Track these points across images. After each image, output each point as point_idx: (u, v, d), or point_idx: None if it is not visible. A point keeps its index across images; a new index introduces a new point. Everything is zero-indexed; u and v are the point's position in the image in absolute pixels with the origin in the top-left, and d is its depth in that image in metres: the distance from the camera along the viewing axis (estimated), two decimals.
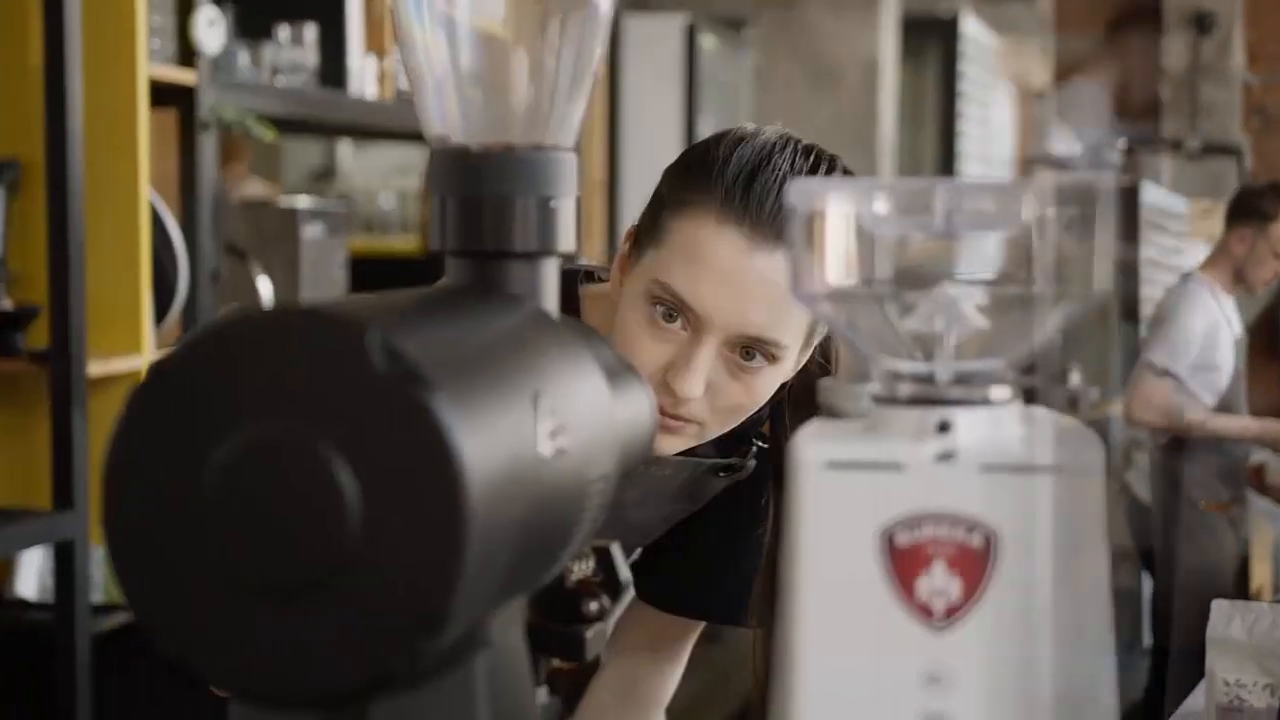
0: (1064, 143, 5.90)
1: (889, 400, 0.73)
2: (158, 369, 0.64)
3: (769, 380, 1.27)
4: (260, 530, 0.63)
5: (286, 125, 3.26)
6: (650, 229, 1.28)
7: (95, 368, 2.52)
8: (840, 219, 0.73)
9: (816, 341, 1.33)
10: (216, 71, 2.86)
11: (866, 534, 0.70)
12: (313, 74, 3.14)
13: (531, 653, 0.81)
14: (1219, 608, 1.96)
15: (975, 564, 0.70)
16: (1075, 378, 6.72)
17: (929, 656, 0.69)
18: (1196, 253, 8.84)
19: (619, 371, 0.89)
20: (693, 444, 1.31)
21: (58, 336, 2.43)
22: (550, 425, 0.74)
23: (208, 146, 2.77)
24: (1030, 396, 0.75)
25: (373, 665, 0.62)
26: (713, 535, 1.47)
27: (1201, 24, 9.74)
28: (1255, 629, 1.93)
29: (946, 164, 7.68)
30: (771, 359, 1.25)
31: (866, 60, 5.74)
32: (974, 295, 0.74)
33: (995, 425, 0.72)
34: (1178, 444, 4.41)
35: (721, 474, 1.42)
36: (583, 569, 0.91)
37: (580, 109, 0.87)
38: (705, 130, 5.98)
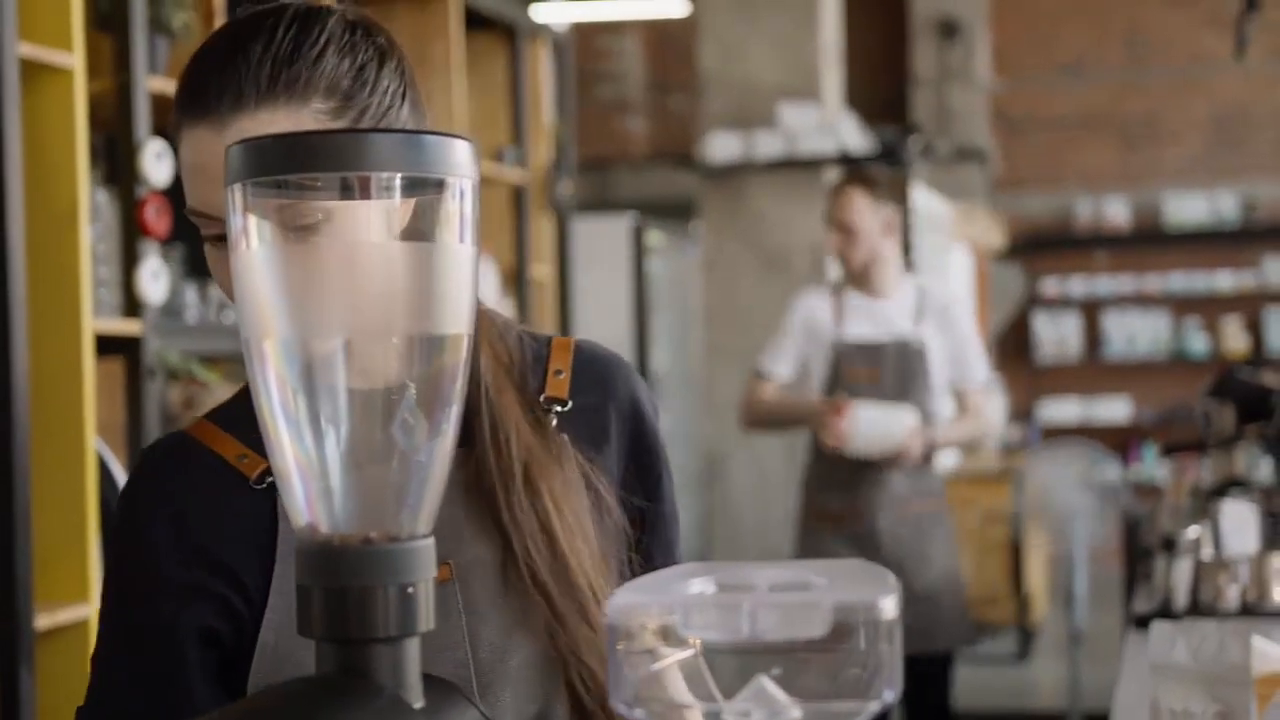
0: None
1: None
2: None
3: (351, 231, 1.17)
4: None
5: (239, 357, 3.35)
6: None
7: (42, 620, 2.56)
8: (655, 630, 0.80)
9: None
10: (163, 317, 2.94)
11: None
12: None
13: None
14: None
15: None
16: None
17: None
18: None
19: None
20: None
21: (4, 593, 2.48)
22: None
23: (153, 393, 2.85)
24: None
25: None
26: None
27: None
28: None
29: None
30: (324, 213, 1.15)
31: (813, 245, 5.87)
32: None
33: None
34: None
35: None
36: None
37: (437, 494, 0.94)
38: (656, 324, 6.11)
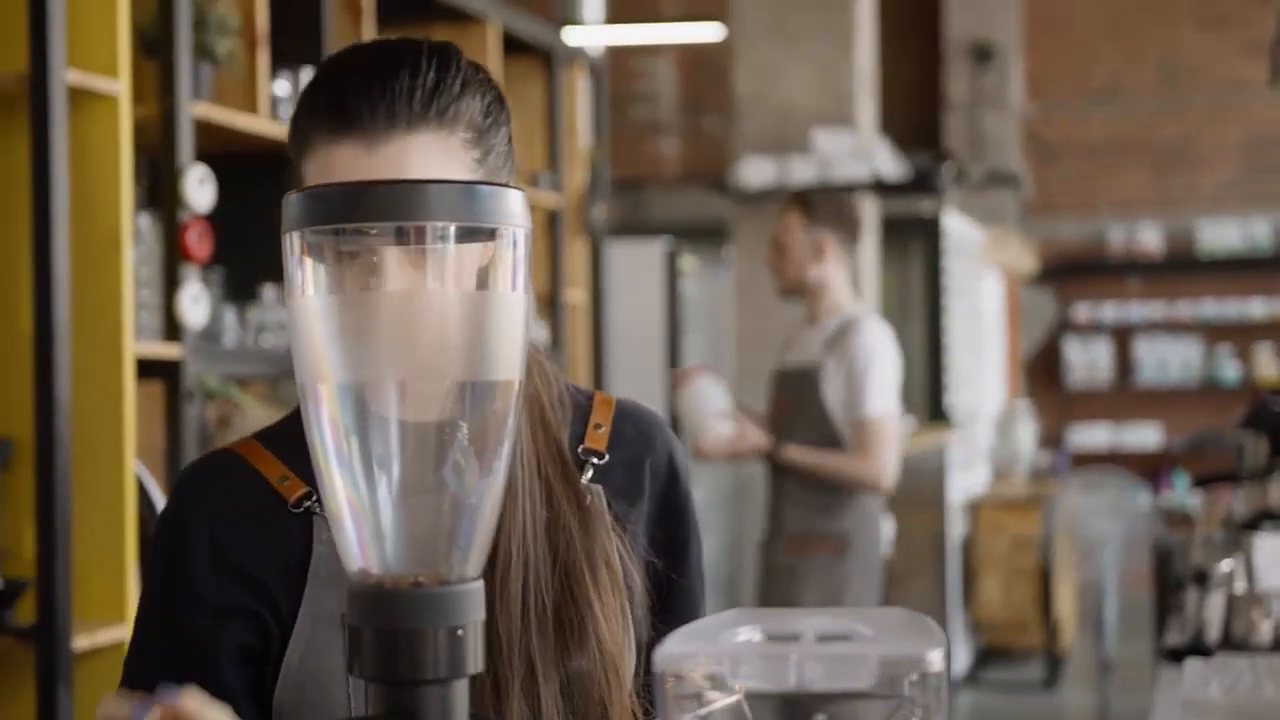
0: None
1: None
2: None
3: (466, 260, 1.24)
4: None
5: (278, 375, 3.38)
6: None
7: (81, 641, 2.59)
8: (703, 677, 0.81)
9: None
10: (202, 341, 2.97)
11: None
12: None
13: None
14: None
15: None
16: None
17: None
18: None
19: None
20: None
21: (44, 613, 2.51)
22: None
23: (192, 416, 2.87)
24: None
25: None
26: None
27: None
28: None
29: (934, 357, 7.79)
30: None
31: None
32: None
33: None
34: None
35: None
36: None
37: (487, 536, 0.95)
38: (688, 347, 6.13)
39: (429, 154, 1.22)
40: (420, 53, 1.25)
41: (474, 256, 0.93)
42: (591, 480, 1.32)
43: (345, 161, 1.22)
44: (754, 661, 0.81)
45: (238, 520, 1.28)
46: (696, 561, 1.40)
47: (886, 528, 4.22)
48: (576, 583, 1.28)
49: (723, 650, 0.81)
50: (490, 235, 0.93)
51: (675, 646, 0.82)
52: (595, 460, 1.34)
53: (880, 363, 4.01)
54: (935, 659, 0.78)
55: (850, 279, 4.17)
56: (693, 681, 0.82)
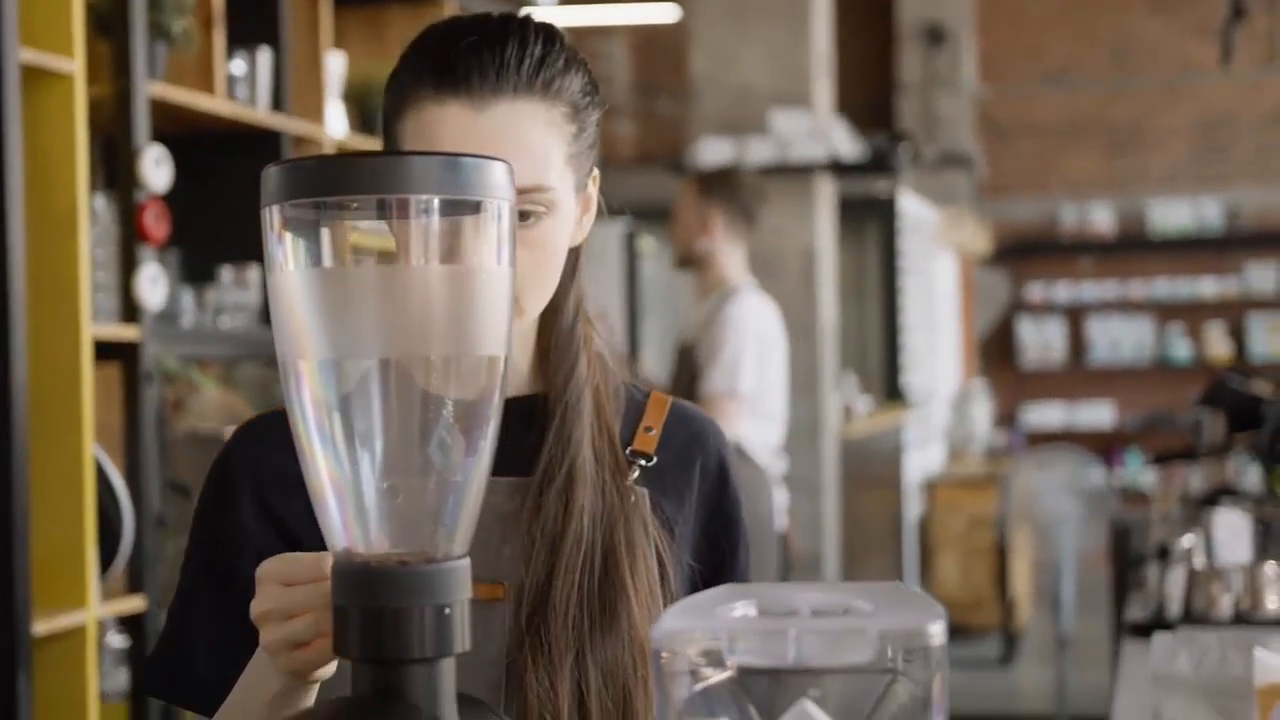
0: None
1: None
2: None
3: (554, 231, 1.26)
4: None
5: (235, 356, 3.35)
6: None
7: (41, 626, 2.56)
8: (699, 654, 0.80)
9: (592, 172, 1.32)
10: (159, 322, 2.94)
11: None
12: (255, 313, 3.24)
13: None
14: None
15: None
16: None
17: None
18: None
19: None
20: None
21: (3, 599, 2.47)
22: None
23: (150, 397, 2.84)
24: None
25: None
26: None
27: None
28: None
29: (890, 336, 7.82)
30: (547, 207, 1.24)
31: (804, 250, 5.88)
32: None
33: None
34: None
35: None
36: None
37: (473, 514, 0.94)
38: (647, 328, 6.12)
39: (534, 121, 1.23)
40: (527, 26, 1.26)
41: (457, 229, 0.92)
42: (638, 482, 1.32)
43: (451, 121, 1.22)
44: (752, 637, 0.80)
45: (279, 478, 1.28)
46: (745, 567, 1.39)
47: (780, 503, 4.09)
48: (615, 568, 1.27)
49: (720, 626, 0.80)
50: (475, 208, 0.91)
51: (671, 623, 0.81)
52: (643, 462, 1.33)
53: (735, 339, 3.93)
54: (936, 632, 0.78)
55: (742, 257, 4.14)
56: (688, 658, 0.81)
